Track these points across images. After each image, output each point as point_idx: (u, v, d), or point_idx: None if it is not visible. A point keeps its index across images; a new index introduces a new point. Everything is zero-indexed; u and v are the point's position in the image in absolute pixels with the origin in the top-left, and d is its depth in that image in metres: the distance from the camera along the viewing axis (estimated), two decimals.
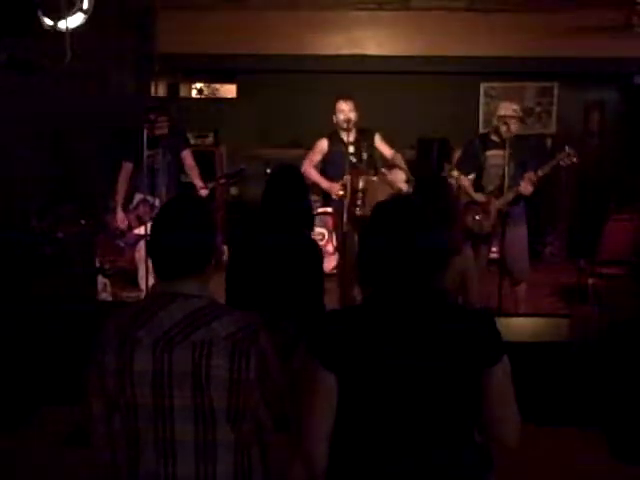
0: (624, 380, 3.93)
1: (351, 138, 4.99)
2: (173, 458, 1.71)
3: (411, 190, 4.98)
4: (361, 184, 4.94)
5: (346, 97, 5.08)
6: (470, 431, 1.74)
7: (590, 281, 5.42)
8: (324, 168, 5.24)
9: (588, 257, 5.57)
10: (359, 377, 1.66)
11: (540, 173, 4.76)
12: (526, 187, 4.77)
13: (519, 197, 4.88)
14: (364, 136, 5.12)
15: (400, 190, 4.93)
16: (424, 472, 1.68)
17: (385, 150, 5.22)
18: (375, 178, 5.03)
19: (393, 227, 1.72)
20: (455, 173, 5.05)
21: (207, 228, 1.83)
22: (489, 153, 4.90)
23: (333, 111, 5.11)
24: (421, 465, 1.68)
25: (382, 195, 4.50)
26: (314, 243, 3.24)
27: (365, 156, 5.08)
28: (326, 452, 1.70)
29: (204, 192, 5.18)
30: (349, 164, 4.89)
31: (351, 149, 4.97)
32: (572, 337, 4.52)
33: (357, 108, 5.10)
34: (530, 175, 4.77)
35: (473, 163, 5.00)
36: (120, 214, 5.26)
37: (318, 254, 3.14)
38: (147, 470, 1.73)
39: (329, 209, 5.83)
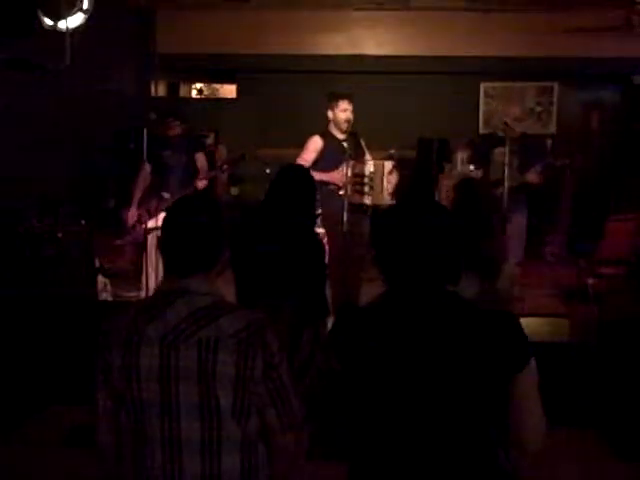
0: (624, 379, 3.93)
1: (343, 136, 4.99)
2: (179, 454, 1.71)
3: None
4: (368, 169, 4.93)
5: (349, 97, 5.04)
6: (491, 439, 1.66)
7: (590, 281, 5.42)
8: (317, 164, 5.17)
9: (588, 257, 5.58)
10: (375, 379, 1.64)
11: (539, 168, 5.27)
12: (533, 178, 5.31)
13: (524, 186, 5.33)
14: (352, 137, 5.07)
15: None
16: (440, 477, 1.64)
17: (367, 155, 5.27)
18: (388, 163, 5.05)
19: (416, 226, 1.67)
20: (472, 167, 5.68)
21: (217, 226, 1.85)
22: (496, 150, 5.39)
23: (329, 107, 5.03)
24: (437, 471, 1.63)
25: (395, 179, 4.79)
26: (316, 235, 3.47)
27: (358, 150, 5.10)
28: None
29: (202, 183, 5.13)
30: (345, 155, 4.84)
31: (345, 144, 4.95)
32: (572, 337, 4.52)
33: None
34: (534, 171, 5.30)
35: (485, 159, 5.58)
36: (133, 210, 5.16)
37: (320, 245, 3.39)
38: (153, 467, 1.73)
39: None
